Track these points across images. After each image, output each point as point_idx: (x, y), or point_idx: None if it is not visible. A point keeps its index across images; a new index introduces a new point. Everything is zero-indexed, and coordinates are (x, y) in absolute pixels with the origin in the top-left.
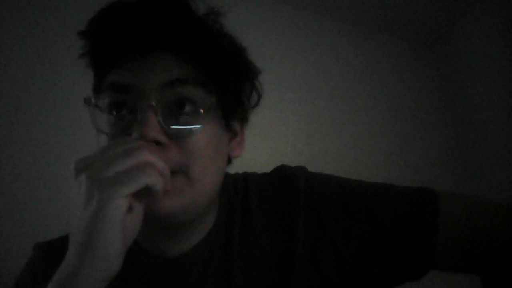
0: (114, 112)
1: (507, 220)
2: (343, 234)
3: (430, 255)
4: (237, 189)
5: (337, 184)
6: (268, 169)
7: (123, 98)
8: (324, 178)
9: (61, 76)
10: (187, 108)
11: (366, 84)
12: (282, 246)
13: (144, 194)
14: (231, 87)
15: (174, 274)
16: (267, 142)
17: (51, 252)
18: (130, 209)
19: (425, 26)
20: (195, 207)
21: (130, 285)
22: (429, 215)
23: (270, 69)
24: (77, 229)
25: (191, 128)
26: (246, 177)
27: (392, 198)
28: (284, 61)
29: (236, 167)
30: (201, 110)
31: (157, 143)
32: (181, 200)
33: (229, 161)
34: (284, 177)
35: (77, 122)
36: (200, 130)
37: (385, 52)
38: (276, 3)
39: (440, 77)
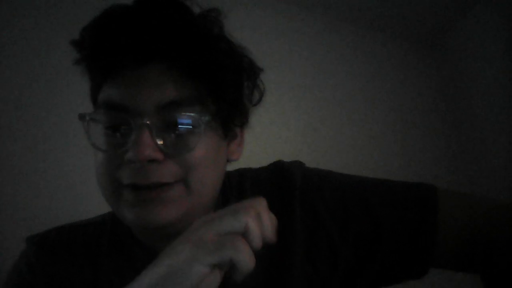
0: (110, 130)
1: (508, 219)
2: (341, 230)
3: (429, 253)
4: (232, 186)
5: (334, 179)
6: None
7: (119, 116)
8: (321, 173)
9: (62, 75)
10: (183, 126)
11: (365, 84)
12: (279, 243)
13: (226, 264)
14: (230, 98)
15: None
16: (267, 142)
17: (44, 245)
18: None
19: (425, 26)
20: (192, 216)
21: (123, 275)
22: (429, 213)
23: (270, 69)
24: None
25: (187, 146)
26: (241, 173)
27: (391, 194)
28: (284, 61)
29: (234, 166)
30: (198, 126)
31: (153, 161)
32: (178, 209)
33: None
34: (280, 172)
35: (77, 122)
36: (197, 145)
37: (385, 52)
38: (276, 3)
39: (440, 77)
